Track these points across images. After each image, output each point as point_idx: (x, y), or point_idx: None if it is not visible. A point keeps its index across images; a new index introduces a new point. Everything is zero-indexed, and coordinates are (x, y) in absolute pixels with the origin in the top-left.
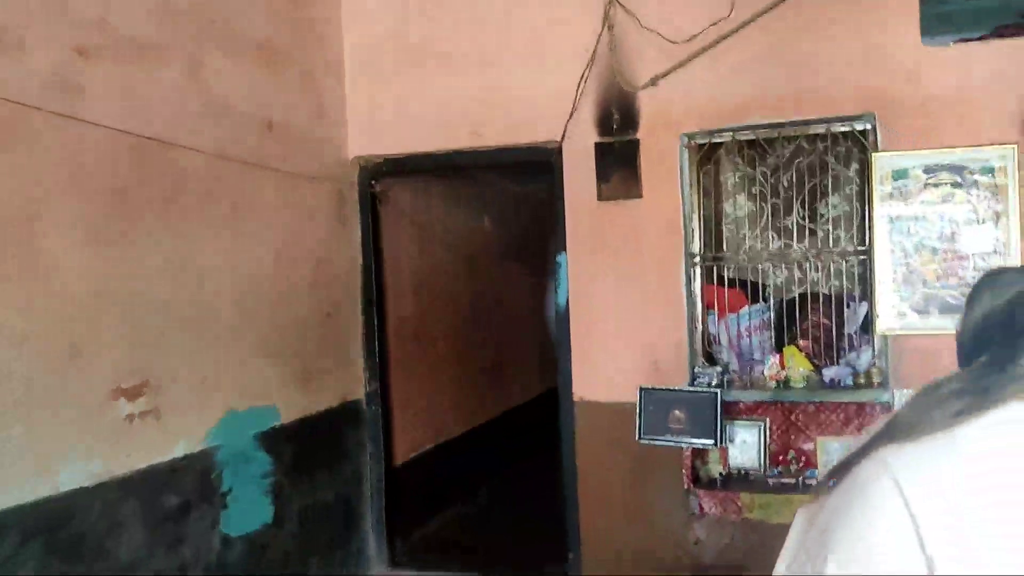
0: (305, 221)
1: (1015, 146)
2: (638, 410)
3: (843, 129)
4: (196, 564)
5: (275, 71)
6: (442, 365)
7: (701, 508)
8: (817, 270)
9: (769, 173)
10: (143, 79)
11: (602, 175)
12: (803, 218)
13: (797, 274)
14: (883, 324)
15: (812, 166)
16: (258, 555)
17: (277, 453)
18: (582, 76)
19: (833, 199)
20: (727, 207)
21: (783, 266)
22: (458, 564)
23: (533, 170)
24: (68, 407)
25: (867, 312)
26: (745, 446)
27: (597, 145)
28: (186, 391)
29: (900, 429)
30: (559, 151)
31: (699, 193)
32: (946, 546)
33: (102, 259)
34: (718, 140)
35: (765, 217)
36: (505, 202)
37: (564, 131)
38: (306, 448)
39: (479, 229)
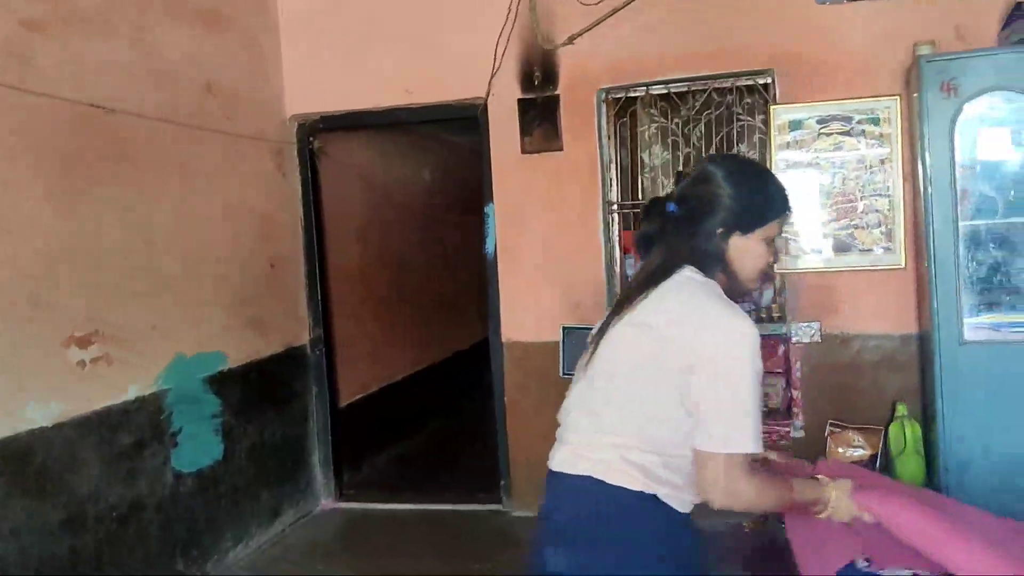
0: (248, 178)
1: (898, 97)
2: (561, 348)
3: (747, 83)
4: (151, 496)
5: (216, 35)
6: (387, 312)
7: None
8: None
9: (682, 124)
10: (90, 48)
11: (525, 129)
12: None
13: None
14: (778, 263)
15: (722, 118)
16: (209, 489)
17: (225, 395)
18: (504, 35)
19: (742, 148)
20: (644, 157)
21: None
22: (401, 496)
23: (467, 124)
24: (27, 354)
25: None
26: None
27: (520, 101)
28: (136, 339)
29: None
30: (485, 107)
31: (616, 144)
32: None
33: (58, 217)
34: (633, 95)
35: (679, 166)
36: (448, 154)
37: (489, 88)
38: (254, 390)
39: (421, 181)
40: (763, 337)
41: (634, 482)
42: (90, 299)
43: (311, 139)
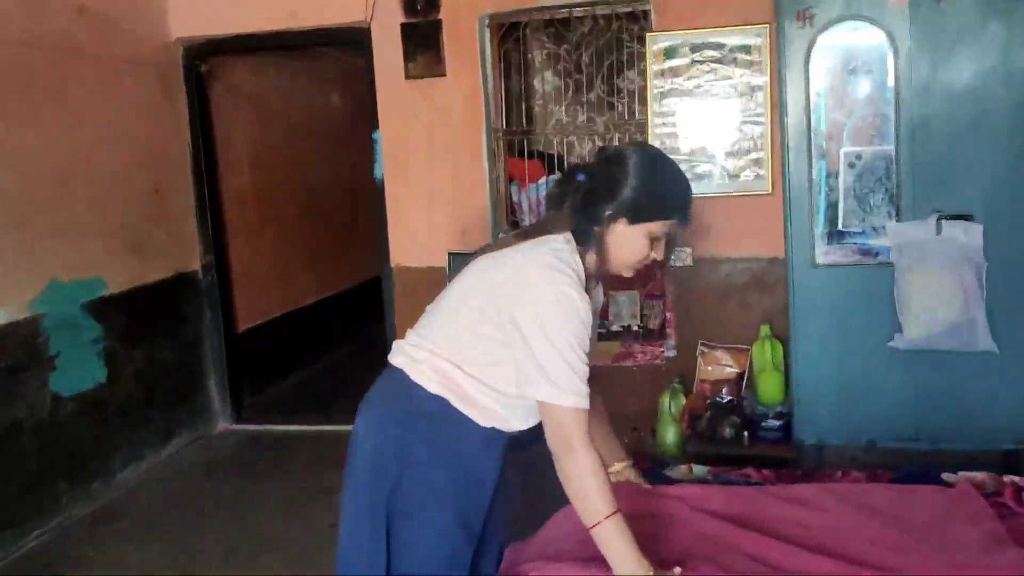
0: (128, 102)
1: (767, 26)
2: (447, 273)
3: (626, 10)
4: (29, 419)
5: None
6: (289, 238)
7: None
8: (617, 141)
9: (572, 50)
10: None
11: (409, 54)
12: (604, 92)
13: (601, 145)
14: None
15: (611, 44)
16: (93, 412)
17: (107, 320)
18: None
19: (630, 74)
20: (536, 84)
21: (587, 138)
22: (299, 419)
23: (359, 46)
24: None
25: None
26: None
27: (403, 25)
28: (5, 264)
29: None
30: (368, 31)
31: (500, 71)
32: None
33: None
34: (517, 20)
35: (570, 92)
36: (347, 73)
37: (372, 12)
38: (139, 316)
39: (321, 103)
40: None
41: (431, 384)
42: None
43: (198, 63)
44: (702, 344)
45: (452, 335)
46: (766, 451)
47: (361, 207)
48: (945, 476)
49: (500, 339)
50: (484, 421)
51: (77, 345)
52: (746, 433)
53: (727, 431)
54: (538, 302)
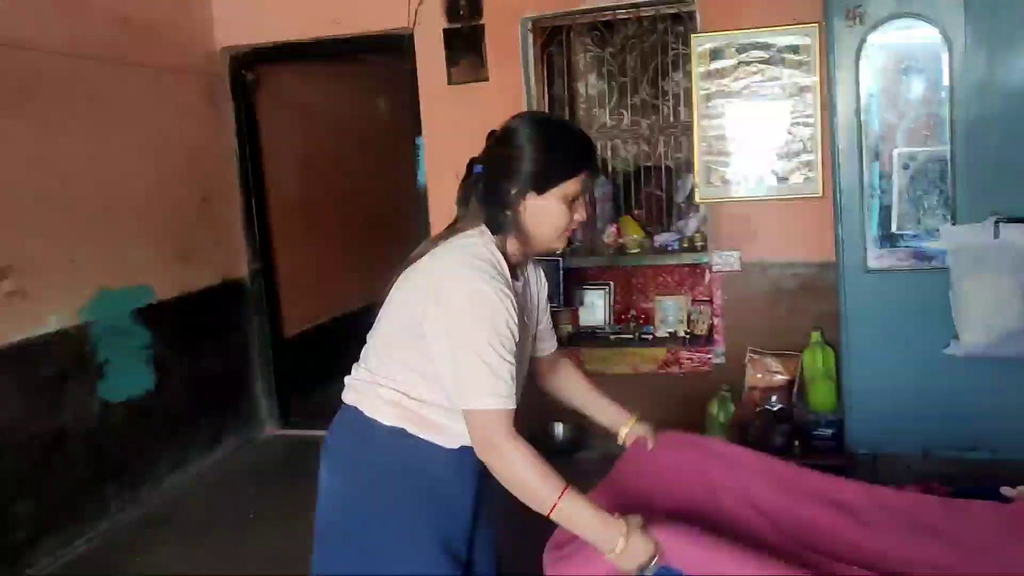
0: (173, 111)
1: (816, 25)
2: None
3: (671, 11)
4: (77, 426)
5: None
6: (334, 244)
7: None
8: (662, 144)
9: (616, 53)
10: None
11: (451, 60)
12: (649, 95)
13: (646, 148)
14: (701, 193)
15: (656, 46)
16: (141, 418)
17: (155, 327)
18: None
19: (676, 77)
20: (580, 87)
21: (632, 141)
22: None
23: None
24: None
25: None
26: (593, 307)
27: (446, 31)
28: (54, 273)
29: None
30: (411, 38)
31: (544, 74)
32: None
33: None
34: (560, 24)
35: (615, 95)
36: (391, 79)
37: (415, 18)
38: (187, 323)
39: (371, 109)
40: (687, 266)
41: (385, 417)
42: (1, 235)
43: (244, 71)
44: (751, 350)
45: (390, 360)
46: (818, 460)
47: (405, 213)
48: (1004, 491)
49: (422, 349)
50: (449, 443)
51: (126, 352)
52: (797, 442)
53: (778, 439)
54: (449, 309)
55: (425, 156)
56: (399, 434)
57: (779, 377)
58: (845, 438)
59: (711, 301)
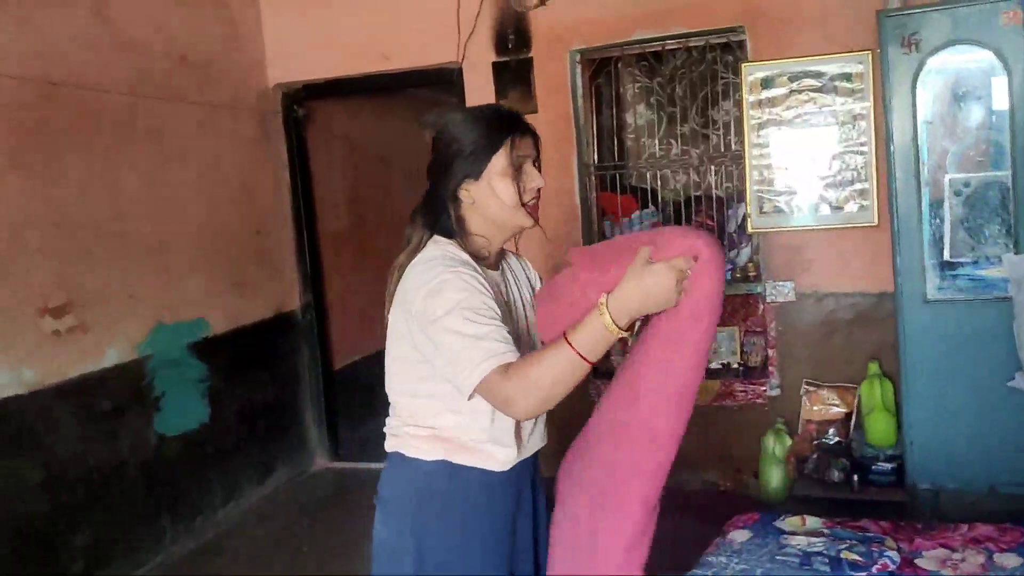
0: (227, 147)
1: (869, 53)
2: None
3: (720, 41)
4: (133, 458)
5: (185, 6)
6: (381, 276)
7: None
8: (712, 174)
9: (665, 83)
10: (49, 24)
11: (500, 92)
12: (699, 124)
13: (695, 178)
14: (753, 223)
15: (705, 76)
16: (196, 450)
17: (211, 360)
18: None
19: (725, 105)
20: (629, 117)
21: (681, 171)
22: None
23: (451, 86)
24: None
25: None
26: None
27: (494, 64)
28: (112, 307)
29: None
30: (460, 71)
31: (592, 105)
32: None
33: (24, 189)
34: (608, 55)
35: (663, 125)
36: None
37: (463, 52)
38: (241, 356)
39: (413, 143)
40: (740, 296)
41: (426, 453)
42: (61, 269)
43: (295, 107)
44: (806, 383)
45: (410, 398)
46: (877, 495)
47: None
48: None
49: (426, 370)
50: (493, 464)
51: (181, 385)
52: (856, 476)
53: (835, 474)
54: (419, 309)
55: None
56: (444, 467)
57: (836, 410)
58: (906, 473)
59: (764, 332)
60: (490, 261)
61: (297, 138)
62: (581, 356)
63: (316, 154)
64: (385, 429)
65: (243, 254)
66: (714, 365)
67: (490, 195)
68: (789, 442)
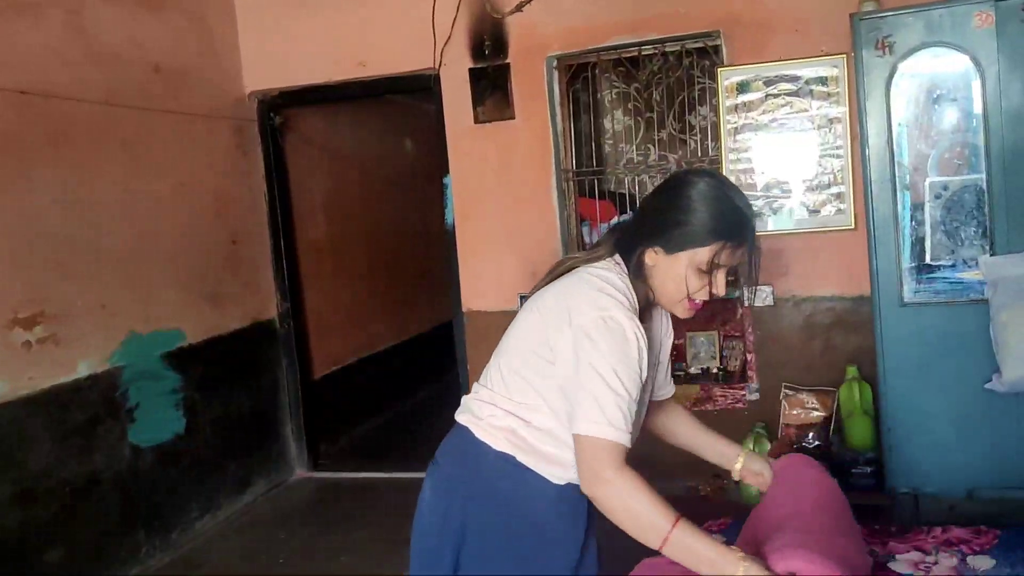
0: (203, 156)
1: (844, 56)
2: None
3: (696, 46)
4: (107, 471)
5: (160, 15)
6: (362, 285)
7: None
8: None
9: (642, 89)
10: (19, 34)
11: (477, 99)
12: (676, 130)
13: None
14: None
15: (682, 81)
16: (171, 462)
17: (186, 371)
18: (454, 5)
19: (702, 111)
20: (606, 123)
21: (659, 176)
22: (376, 465)
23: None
24: None
25: None
26: None
27: (471, 71)
28: (85, 318)
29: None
30: (437, 78)
31: (569, 111)
32: None
33: None
34: (585, 61)
35: (641, 131)
36: (416, 120)
37: (440, 59)
38: (217, 366)
39: (392, 150)
40: (719, 301)
41: (496, 442)
42: (32, 280)
43: (272, 115)
44: (785, 387)
45: (512, 378)
46: (857, 499)
47: (433, 252)
48: None
49: (549, 376)
50: (556, 476)
51: (156, 396)
52: (836, 480)
53: None
54: (581, 331)
55: (452, 195)
56: (507, 461)
57: (815, 414)
58: (885, 477)
59: (743, 337)
60: (642, 306)
61: (274, 146)
62: (663, 543)
63: (293, 162)
64: (465, 397)
65: (219, 263)
66: (693, 370)
67: (670, 274)
68: (768, 446)
